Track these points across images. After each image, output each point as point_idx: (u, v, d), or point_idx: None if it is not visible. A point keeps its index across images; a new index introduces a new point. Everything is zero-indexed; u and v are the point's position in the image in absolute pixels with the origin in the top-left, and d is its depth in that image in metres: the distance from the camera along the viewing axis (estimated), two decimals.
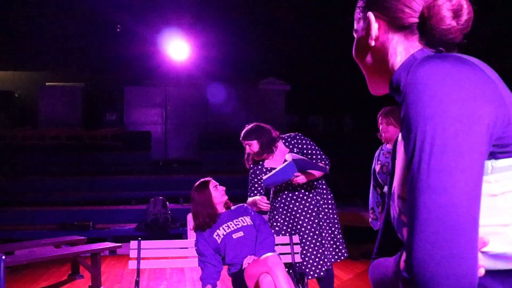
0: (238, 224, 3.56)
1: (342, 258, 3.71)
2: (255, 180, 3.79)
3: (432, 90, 0.78)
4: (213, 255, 3.50)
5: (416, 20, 0.94)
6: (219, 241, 3.49)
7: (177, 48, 10.32)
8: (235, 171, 10.36)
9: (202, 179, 3.70)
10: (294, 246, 3.67)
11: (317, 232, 3.64)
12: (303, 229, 3.66)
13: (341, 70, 12.02)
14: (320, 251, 3.63)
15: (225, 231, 3.51)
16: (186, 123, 12.14)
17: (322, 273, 3.63)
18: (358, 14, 1.07)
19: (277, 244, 3.67)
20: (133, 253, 3.68)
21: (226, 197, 3.66)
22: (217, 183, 3.69)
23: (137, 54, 10.33)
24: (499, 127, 0.79)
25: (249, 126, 3.78)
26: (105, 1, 8.06)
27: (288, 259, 3.65)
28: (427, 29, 0.93)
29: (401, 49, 0.97)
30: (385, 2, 0.98)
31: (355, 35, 1.08)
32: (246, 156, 3.79)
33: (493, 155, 0.79)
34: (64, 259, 5.87)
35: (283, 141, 3.75)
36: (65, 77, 13.38)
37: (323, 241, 3.65)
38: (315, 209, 3.67)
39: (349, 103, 12.52)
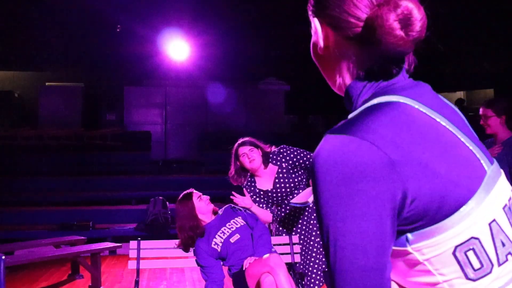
0: (232, 227, 3.54)
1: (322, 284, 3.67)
2: (254, 197, 3.64)
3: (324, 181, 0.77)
4: (215, 264, 3.49)
5: (361, 29, 0.83)
6: (219, 250, 3.49)
7: (177, 48, 10.32)
8: None
9: (185, 192, 3.65)
10: (294, 246, 3.67)
11: (305, 249, 3.64)
12: (312, 237, 3.63)
13: None
14: (306, 270, 3.62)
15: (222, 238, 3.50)
16: (186, 123, 12.14)
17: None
18: (310, 17, 0.95)
19: (277, 244, 3.66)
20: (133, 253, 3.68)
21: (211, 206, 3.61)
22: (201, 194, 3.63)
23: (137, 54, 10.33)
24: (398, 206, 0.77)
25: (246, 138, 3.71)
26: (105, 1, 8.06)
27: (288, 259, 3.65)
28: (374, 41, 0.81)
29: (349, 65, 0.88)
30: (327, 9, 0.87)
31: (312, 35, 0.96)
32: (234, 171, 3.63)
33: (404, 232, 0.79)
34: (64, 259, 5.87)
35: (271, 159, 3.63)
36: (65, 77, 13.39)
37: (307, 261, 3.64)
38: (308, 226, 3.68)
39: None
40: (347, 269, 0.75)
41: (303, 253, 3.63)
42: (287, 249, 3.68)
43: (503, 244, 0.80)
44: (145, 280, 5.64)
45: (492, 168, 0.84)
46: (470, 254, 0.78)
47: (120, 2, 8.16)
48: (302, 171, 3.61)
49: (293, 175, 3.57)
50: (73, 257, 5.37)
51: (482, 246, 0.79)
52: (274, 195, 3.59)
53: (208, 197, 3.66)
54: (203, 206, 3.57)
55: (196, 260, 3.57)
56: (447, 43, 9.85)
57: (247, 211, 3.66)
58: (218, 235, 3.51)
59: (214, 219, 3.61)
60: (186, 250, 3.63)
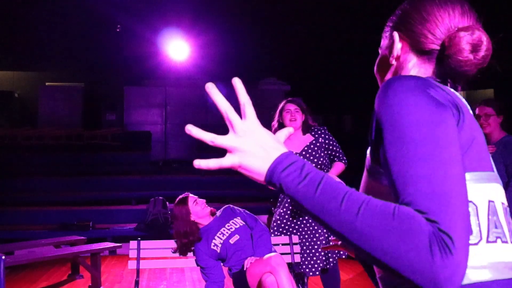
0: (231, 228, 3.54)
1: (329, 265, 3.64)
2: None
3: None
4: (215, 265, 3.49)
5: (436, 47, 0.97)
6: (218, 251, 3.48)
7: (177, 48, 10.32)
8: (235, 171, 10.35)
9: (181, 196, 3.66)
10: (294, 246, 3.67)
11: (318, 229, 3.64)
12: (306, 223, 3.65)
13: (341, 70, 12.03)
14: (316, 246, 3.62)
15: (221, 239, 3.50)
16: (186, 123, 11.95)
17: (322, 265, 3.60)
18: (386, 32, 1.10)
19: (277, 244, 3.66)
20: (132, 253, 3.68)
21: (208, 209, 3.60)
22: (196, 198, 3.62)
23: (137, 54, 10.33)
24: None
25: (298, 98, 3.79)
26: (105, 1, 8.06)
27: (288, 259, 3.65)
28: (444, 57, 0.95)
29: (415, 72, 1.00)
30: (411, 25, 1.00)
31: (380, 52, 1.11)
32: (277, 125, 3.72)
33: None
34: (64, 259, 5.87)
35: (310, 130, 3.76)
36: (65, 77, 13.39)
37: (314, 244, 3.63)
38: None
39: (349, 103, 12.53)
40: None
41: (307, 237, 3.63)
42: (287, 249, 3.68)
43: (496, 226, 0.85)
44: (145, 280, 5.64)
45: (495, 173, 0.92)
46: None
47: (120, 2, 8.16)
48: (327, 159, 3.69)
49: (322, 154, 3.68)
50: (73, 257, 5.37)
51: (477, 215, 0.84)
52: None
53: (204, 200, 3.64)
54: (199, 211, 3.57)
55: (195, 261, 3.57)
56: None
57: (246, 211, 3.67)
58: (217, 236, 3.51)
59: (213, 220, 3.60)
60: (183, 254, 3.64)
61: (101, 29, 9.71)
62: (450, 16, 0.97)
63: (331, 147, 3.72)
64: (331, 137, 3.74)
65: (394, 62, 1.04)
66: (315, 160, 3.66)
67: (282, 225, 3.74)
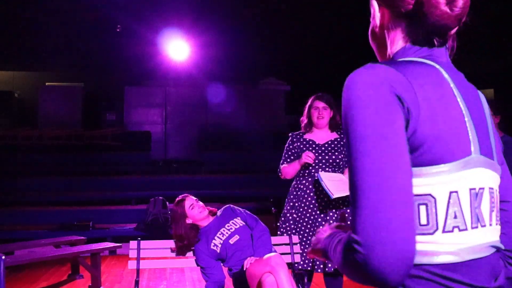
0: (231, 228, 3.53)
1: None
2: (291, 147, 3.79)
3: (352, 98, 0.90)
4: (215, 265, 3.49)
5: (412, 5, 0.98)
6: (218, 251, 3.48)
7: (177, 48, 10.32)
8: (235, 171, 10.36)
9: (179, 197, 3.65)
10: (294, 246, 3.67)
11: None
12: (317, 222, 3.60)
13: (341, 70, 12.03)
14: None
15: (221, 239, 3.49)
16: (186, 123, 12.14)
17: (330, 268, 3.57)
18: (370, 2, 1.11)
19: (277, 244, 3.66)
20: (132, 253, 3.67)
21: (205, 212, 3.58)
22: (194, 201, 3.59)
23: (137, 54, 10.33)
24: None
25: (327, 94, 3.81)
26: (105, 1, 8.06)
27: (288, 259, 3.64)
28: (423, 16, 0.96)
29: (399, 38, 1.03)
30: None
31: (371, 21, 1.12)
32: (307, 121, 3.75)
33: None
34: (64, 259, 5.87)
35: (338, 129, 3.79)
36: (65, 77, 13.39)
37: None
38: (332, 204, 3.63)
39: None
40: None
41: (312, 225, 3.61)
42: (287, 249, 3.68)
43: (455, 216, 0.89)
44: (145, 280, 5.64)
45: (480, 156, 0.94)
46: (422, 208, 0.89)
47: (120, 2, 8.17)
48: (344, 162, 3.69)
49: (341, 151, 3.69)
50: (73, 257, 5.36)
51: (435, 207, 0.89)
52: (317, 148, 3.66)
53: (202, 204, 3.62)
54: (195, 214, 3.56)
55: (195, 261, 3.56)
56: None
57: (247, 211, 3.66)
58: (217, 237, 3.50)
59: (213, 220, 3.60)
60: (182, 255, 3.64)
61: (101, 29, 9.71)
62: None
63: None
64: None
65: (377, 29, 1.07)
66: (332, 155, 3.65)
67: (291, 222, 3.69)
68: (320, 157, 3.65)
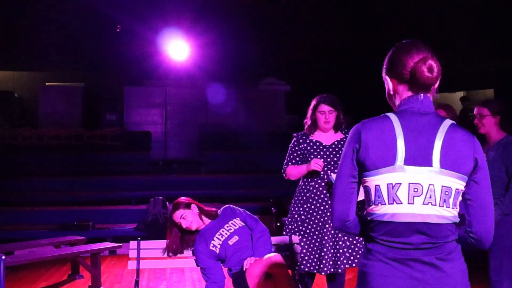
0: (230, 229, 3.52)
1: (354, 264, 3.60)
2: (296, 148, 3.75)
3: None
4: (215, 265, 3.48)
5: (408, 75, 1.66)
6: (217, 251, 3.47)
7: (177, 48, 10.32)
8: (235, 171, 10.36)
9: (173, 204, 3.67)
10: (294, 246, 3.66)
11: (333, 231, 3.59)
12: (327, 224, 3.57)
13: (341, 70, 12.03)
14: (334, 250, 3.56)
15: (220, 240, 3.48)
16: (186, 123, 12.13)
17: (333, 270, 3.56)
18: (383, 74, 1.78)
19: (277, 244, 3.66)
20: (132, 253, 3.67)
21: (196, 217, 3.57)
22: (183, 212, 3.57)
23: (137, 54, 10.32)
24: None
25: (331, 96, 3.75)
26: (105, 1, 8.06)
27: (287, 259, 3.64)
28: (415, 79, 1.64)
29: (402, 95, 1.70)
30: (394, 69, 1.71)
31: (386, 87, 1.78)
32: (310, 122, 3.73)
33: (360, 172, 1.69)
34: (64, 259, 5.87)
35: (341, 129, 3.78)
36: (65, 77, 13.38)
37: (340, 242, 3.57)
38: None
39: (349, 103, 12.50)
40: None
41: (334, 233, 3.57)
42: (286, 249, 3.68)
43: (378, 196, 1.61)
44: (145, 280, 5.64)
45: (404, 165, 1.58)
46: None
47: (120, 2, 8.17)
48: None
49: None
50: (73, 257, 5.37)
51: (370, 193, 1.64)
52: (324, 149, 3.63)
53: (193, 211, 3.60)
54: (188, 222, 3.56)
55: (195, 261, 3.56)
56: (447, 43, 9.85)
57: (246, 212, 3.66)
58: (216, 237, 3.49)
59: (212, 221, 3.59)
60: (174, 255, 3.68)
61: (101, 29, 9.71)
62: (413, 57, 1.65)
63: None
64: None
65: (392, 92, 1.75)
66: (339, 156, 3.61)
67: (300, 223, 3.66)
68: (328, 159, 3.62)
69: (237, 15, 9.30)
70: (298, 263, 3.64)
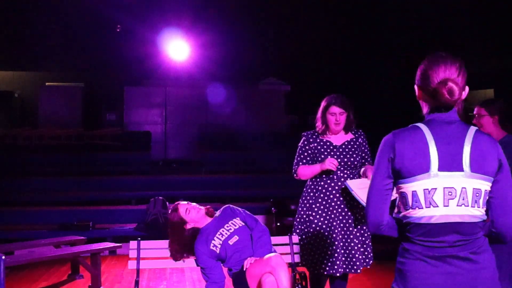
0: (230, 229, 3.51)
1: (369, 264, 3.57)
2: (307, 147, 3.67)
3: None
4: (215, 265, 3.47)
5: (432, 92, 1.78)
6: (217, 251, 3.46)
7: (177, 48, 10.32)
8: (235, 171, 10.36)
9: (172, 207, 3.65)
10: (294, 246, 3.67)
11: (347, 231, 3.55)
12: (335, 223, 3.53)
13: (341, 70, 12.03)
14: (348, 250, 3.52)
15: (220, 240, 3.47)
16: (186, 123, 12.14)
17: (347, 270, 3.51)
18: (415, 85, 1.91)
19: (277, 244, 3.66)
20: (132, 253, 3.67)
21: (202, 210, 3.58)
22: (187, 205, 3.59)
23: (137, 54, 10.33)
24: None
25: (342, 97, 3.68)
26: (105, 1, 8.06)
27: (288, 259, 3.64)
28: (436, 98, 1.77)
29: (428, 104, 1.83)
30: (421, 81, 1.83)
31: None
32: (324, 126, 3.64)
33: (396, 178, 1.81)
34: (64, 259, 5.87)
35: (351, 129, 3.72)
36: (65, 77, 13.39)
37: (352, 243, 3.52)
38: (348, 206, 3.56)
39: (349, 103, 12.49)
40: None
41: (344, 233, 3.54)
42: (287, 249, 3.68)
43: (416, 201, 1.73)
44: (145, 280, 5.64)
45: (438, 172, 1.72)
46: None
47: (120, 2, 8.17)
48: (360, 160, 3.64)
49: (357, 153, 3.64)
50: (73, 257, 5.36)
51: (407, 198, 1.76)
52: (335, 150, 3.60)
53: (195, 205, 3.61)
54: (193, 217, 3.55)
55: (195, 261, 3.56)
56: (447, 43, 9.85)
57: (246, 211, 3.65)
58: (217, 237, 3.49)
59: (212, 220, 3.58)
60: (180, 259, 3.66)
61: (101, 29, 9.72)
62: (438, 74, 1.76)
63: (365, 150, 3.68)
64: (366, 141, 3.71)
65: (419, 100, 1.88)
66: (350, 157, 3.59)
67: (308, 224, 3.59)
68: (338, 159, 3.56)
69: (237, 15, 9.30)
70: (313, 265, 3.57)
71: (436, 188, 1.71)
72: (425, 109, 1.84)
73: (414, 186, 1.73)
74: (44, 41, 10.57)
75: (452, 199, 1.71)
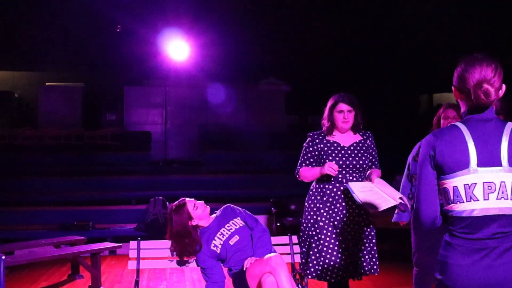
0: (231, 229, 3.50)
1: (377, 272, 3.51)
2: (311, 148, 3.56)
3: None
4: (215, 265, 3.47)
5: (468, 93, 1.85)
6: (218, 251, 3.45)
7: (177, 48, 10.32)
8: (235, 171, 10.36)
9: (176, 204, 3.57)
10: (294, 246, 3.66)
11: (355, 235, 3.48)
12: (343, 228, 3.45)
13: (341, 70, 12.03)
14: (354, 256, 3.46)
15: (221, 239, 3.46)
16: (186, 123, 12.14)
17: (353, 277, 3.48)
18: (453, 87, 1.98)
19: (277, 244, 3.66)
20: (133, 253, 3.68)
21: (208, 209, 3.56)
22: (194, 201, 3.54)
23: (137, 54, 10.33)
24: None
25: (349, 95, 3.58)
26: (105, 1, 8.06)
27: (288, 259, 3.64)
28: (473, 100, 1.84)
29: (465, 104, 1.90)
30: (458, 83, 1.91)
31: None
32: (330, 123, 3.55)
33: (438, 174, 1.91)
34: (64, 259, 5.87)
35: (359, 130, 3.62)
36: (65, 77, 13.38)
37: (357, 248, 3.47)
38: (356, 211, 3.47)
39: None
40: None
41: (351, 238, 3.46)
42: (287, 249, 3.68)
43: (457, 196, 1.82)
44: (145, 280, 5.64)
45: (477, 167, 1.80)
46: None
47: (120, 2, 8.17)
48: (367, 162, 3.55)
49: (365, 155, 3.54)
50: (73, 257, 5.37)
51: (449, 193, 1.85)
52: (343, 151, 3.49)
53: (202, 201, 3.59)
54: (201, 213, 3.52)
55: (196, 261, 3.56)
56: (447, 43, 9.86)
57: (246, 211, 3.65)
58: (217, 237, 3.48)
59: (213, 220, 3.58)
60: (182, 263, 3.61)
61: (101, 29, 9.72)
62: (474, 76, 1.84)
63: (373, 153, 3.58)
64: (374, 143, 3.62)
65: (456, 100, 1.96)
66: (358, 159, 3.49)
67: (316, 226, 3.47)
68: (347, 162, 3.46)
69: (237, 15, 9.30)
70: (322, 274, 3.44)
71: (476, 183, 1.80)
72: (463, 108, 1.92)
73: (455, 182, 1.82)
74: (44, 41, 10.56)
75: (492, 193, 1.79)
